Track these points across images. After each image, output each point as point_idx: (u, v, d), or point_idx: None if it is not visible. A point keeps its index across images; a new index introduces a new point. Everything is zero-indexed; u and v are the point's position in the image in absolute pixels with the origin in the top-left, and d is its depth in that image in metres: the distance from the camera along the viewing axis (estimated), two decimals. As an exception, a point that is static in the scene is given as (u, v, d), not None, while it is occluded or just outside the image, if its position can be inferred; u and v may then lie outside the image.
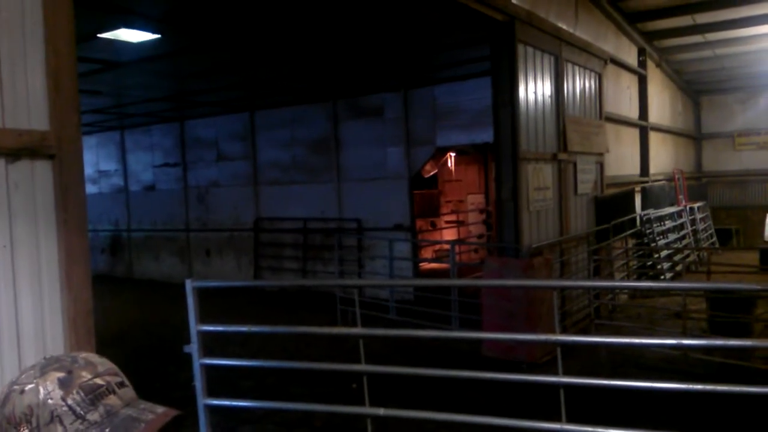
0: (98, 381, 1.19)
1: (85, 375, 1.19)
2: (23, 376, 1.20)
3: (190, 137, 16.34)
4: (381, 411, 4.30)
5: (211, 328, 4.59)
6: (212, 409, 4.67)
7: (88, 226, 3.55)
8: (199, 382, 4.49)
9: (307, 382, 7.11)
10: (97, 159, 18.49)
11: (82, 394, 1.16)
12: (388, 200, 12.94)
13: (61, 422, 1.14)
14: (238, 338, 8.68)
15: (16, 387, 1.18)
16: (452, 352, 7.98)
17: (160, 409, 1.22)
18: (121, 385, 1.23)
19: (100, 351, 3.65)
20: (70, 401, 1.15)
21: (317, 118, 14.06)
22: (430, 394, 6.20)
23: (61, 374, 1.17)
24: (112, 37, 8.08)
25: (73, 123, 3.41)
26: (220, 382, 5.72)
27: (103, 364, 1.25)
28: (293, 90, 13.00)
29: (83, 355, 1.25)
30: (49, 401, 1.14)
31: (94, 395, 1.17)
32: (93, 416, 1.16)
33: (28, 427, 1.14)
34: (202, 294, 4.51)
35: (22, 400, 1.16)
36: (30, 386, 1.17)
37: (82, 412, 1.15)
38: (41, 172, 3.29)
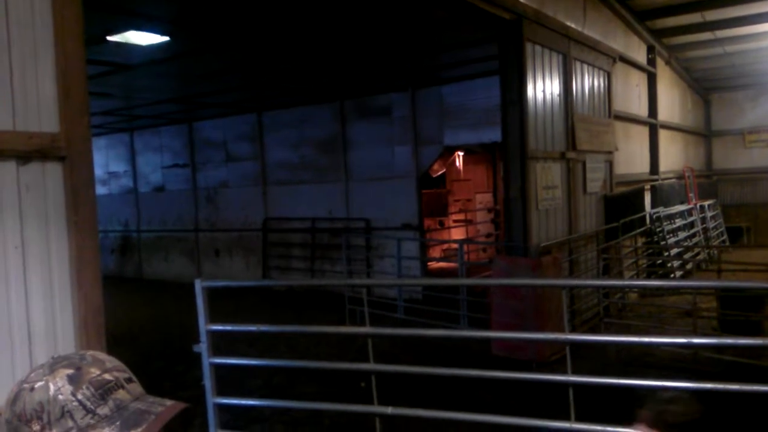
0: (107, 376, 1.21)
1: (94, 371, 1.20)
2: (32, 375, 1.21)
3: (199, 138, 16.42)
4: (389, 410, 4.30)
5: (220, 327, 4.61)
6: (221, 408, 4.69)
7: (98, 227, 3.58)
8: (208, 381, 4.52)
9: (316, 381, 7.13)
10: (106, 160, 18.61)
11: (92, 389, 1.18)
12: (396, 199, 12.95)
13: (72, 417, 1.16)
14: (247, 338, 8.71)
15: (25, 385, 1.20)
16: (461, 351, 7.97)
17: (169, 402, 1.24)
18: (129, 380, 1.25)
19: (110, 350, 3.67)
20: (80, 396, 1.17)
21: (325, 118, 14.08)
22: (438, 393, 6.20)
23: (70, 371, 1.19)
24: (122, 40, 8.12)
25: (83, 125, 3.43)
26: (229, 381, 5.74)
27: (111, 360, 1.27)
28: (301, 90, 13.03)
29: (91, 352, 1.27)
30: (60, 397, 1.16)
31: (104, 390, 1.19)
32: (103, 410, 1.18)
33: (39, 423, 1.16)
34: (211, 294, 4.53)
35: (32, 398, 1.17)
36: (40, 384, 1.18)
37: (92, 407, 1.17)
38: (52, 173, 3.32)
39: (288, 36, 8.64)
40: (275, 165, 15.01)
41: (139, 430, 1.16)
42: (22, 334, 3.18)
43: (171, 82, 11.54)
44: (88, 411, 1.16)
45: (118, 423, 1.17)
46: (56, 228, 3.33)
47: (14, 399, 1.19)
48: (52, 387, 1.17)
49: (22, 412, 1.17)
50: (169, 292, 14.87)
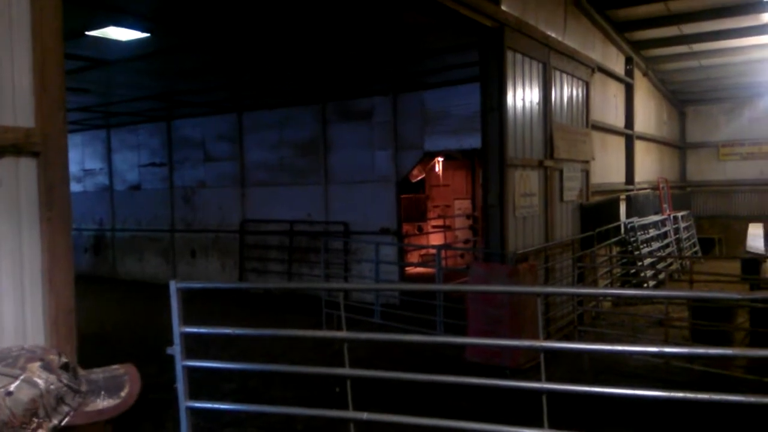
0: (63, 359, 1.26)
1: (54, 357, 1.24)
2: None
3: (177, 137, 16.24)
4: (364, 415, 4.29)
5: (194, 329, 4.56)
6: (194, 412, 4.63)
7: (72, 225, 3.51)
8: (181, 384, 4.46)
9: (290, 385, 7.08)
10: (82, 157, 18.32)
11: (65, 372, 1.23)
12: (375, 204, 12.94)
13: (65, 401, 1.20)
14: (221, 340, 8.63)
15: None
16: (436, 357, 7.98)
17: (117, 366, 1.35)
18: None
19: (82, 350, 3.62)
20: (64, 380, 1.21)
21: (306, 120, 14.04)
22: (413, 398, 6.20)
23: (38, 362, 1.21)
24: (101, 35, 8.02)
25: (59, 120, 3.37)
26: (202, 384, 5.68)
27: (50, 346, 1.35)
28: (282, 92, 12.97)
29: (27, 345, 1.29)
30: (52, 387, 1.19)
31: (71, 370, 1.25)
32: (83, 387, 1.24)
33: (35, 421, 1.16)
34: (186, 295, 4.48)
35: (17, 399, 1.14)
36: (16, 384, 1.15)
37: (76, 387, 1.23)
38: (26, 169, 3.25)
39: (270, 36, 8.60)
40: (254, 166, 14.91)
41: (126, 390, 1.28)
42: (-10, 333, 3.11)
43: (150, 79, 11.41)
44: (75, 391, 1.22)
45: (102, 392, 1.25)
46: (29, 224, 3.27)
47: None
48: (39, 381, 1.18)
49: (10, 418, 1.13)
50: (143, 292, 14.67)
